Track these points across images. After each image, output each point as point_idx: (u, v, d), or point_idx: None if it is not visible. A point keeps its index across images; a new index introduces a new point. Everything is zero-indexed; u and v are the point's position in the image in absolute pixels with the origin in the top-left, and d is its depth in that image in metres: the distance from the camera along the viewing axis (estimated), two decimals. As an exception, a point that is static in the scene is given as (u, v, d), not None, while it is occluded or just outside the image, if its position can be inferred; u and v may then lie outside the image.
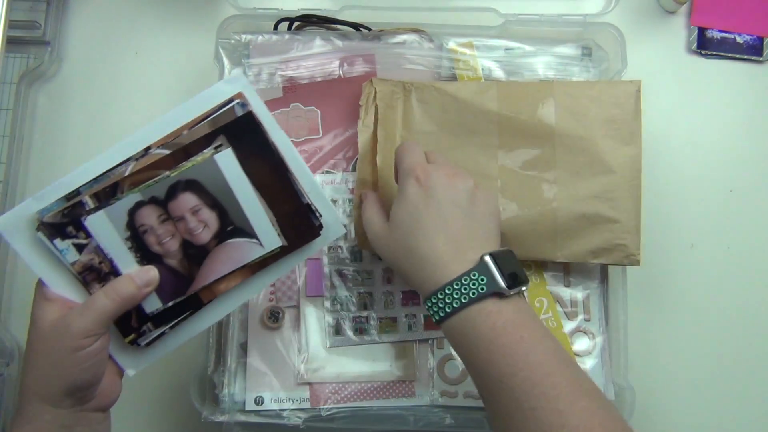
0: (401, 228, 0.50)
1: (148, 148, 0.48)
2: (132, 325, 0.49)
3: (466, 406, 0.61)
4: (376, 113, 0.61)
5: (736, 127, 0.70)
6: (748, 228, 0.69)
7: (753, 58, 0.71)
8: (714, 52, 0.71)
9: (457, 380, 0.61)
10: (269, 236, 0.51)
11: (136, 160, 0.48)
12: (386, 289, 0.62)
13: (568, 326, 0.61)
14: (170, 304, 0.50)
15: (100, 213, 0.48)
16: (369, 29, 0.66)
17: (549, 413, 0.42)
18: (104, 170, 0.48)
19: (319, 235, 0.52)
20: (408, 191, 0.50)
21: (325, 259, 0.62)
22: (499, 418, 0.45)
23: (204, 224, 0.50)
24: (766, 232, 0.69)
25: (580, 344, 0.61)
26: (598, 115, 0.59)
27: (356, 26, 0.66)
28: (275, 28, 0.66)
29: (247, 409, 0.60)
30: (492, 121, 0.60)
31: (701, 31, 0.72)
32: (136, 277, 0.48)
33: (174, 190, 0.49)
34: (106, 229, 0.48)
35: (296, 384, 0.60)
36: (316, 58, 0.64)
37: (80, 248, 0.48)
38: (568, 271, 0.63)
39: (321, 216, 0.52)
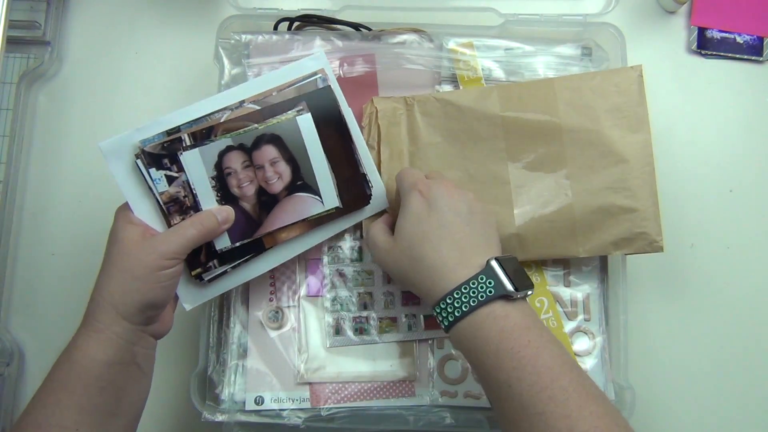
0: (406, 239, 0.51)
1: (242, 102, 0.56)
2: (201, 259, 0.55)
3: (466, 406, 0.61)
4: (379, 132, 0.61)
5: (736, 127, 0.70)
6: (748, 228, 0.69)
7: (753, 58, 0.71)
8: (714, 52, 0.71)
9: (457, 380, 0.61)
10: (330, 196, 0.57)
11: (231, 110, 0.55)
12: (386, 289, 0.62)
13: (568, 326, 0.61)
14: (238, 244, 0.56)
15: (195, 150, 0.54)
16: (369, 29, 0.66)
17: (557, 418, 0.42)
18: (203, 114, 0.55)
19: (368, 203, 0.59)
20: (411, 203, 0.52)
21: (325, 259, 0.62)
22: (508, 423, 0.45)
23: (279, 175, 0.56)
24: (766, 232, 0.69)
25: (580, 344, 0.61)
26: (602, 105, 0.59)
27: (356, 26, 0.66)
28: (275, 28, 0.66)
29: (247, 409, 0.60)
30: (497, 125, 0.60)
31: (701, 31, 0.72)
32: (217, 213, 0.54)
33: (259, 141, 0.55)
34: (197, 165, 0.54)
35: (296, 384, 0.60)
36: (316, 58, 0.64)
37: (171, 180, 0.54)
38: (568, 271, 0.62)
39: (372, 186, 0.59)
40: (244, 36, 0.64)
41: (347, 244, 0.62)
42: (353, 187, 0.58)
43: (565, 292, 0.62)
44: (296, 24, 0.66)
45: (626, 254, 0.60)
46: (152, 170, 0.53)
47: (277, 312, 0.62)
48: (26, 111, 0.70)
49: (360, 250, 0.62)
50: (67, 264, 0.68)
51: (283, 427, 0.60)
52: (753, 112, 0.71)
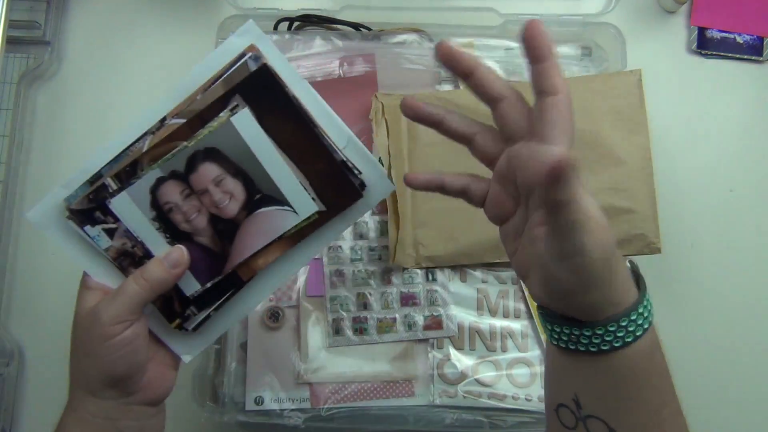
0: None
1: (163, 119, 0.45)
2: (175, 309, 0.48)
3: (466, 406, 0.61)
4: (387, 126, 0.61)
5: (736, 127, 0.70)
6: (748, 228, 0.69)
7: (753, 58, 0.71)
8: (714, 52, 0.71)
9: (456, 380, 0.61)
10: (303, 201, 0.46)
11: (153, 133, 0.45)
12: (386, 289, 0.62)
13: (568, 326, 0.61)
14: (209, 285, 0.47)
15: (123, 194, 0.46)
16: (369, 29, 0.66)
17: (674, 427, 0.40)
18: (123, 148, 0.46)
19: (361, 195, 0.46)
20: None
21: (325, 259, 0.62)
22: None
23: (230, 195, 0.46)
24: (766, 232, 0.69)
25: (580, 344, 0.61)
26: (602, 107, 0.59)
27: (356, 26, 0.66)
28: (275, 28, 0.66)
29: (247, 409, 0.60)
30: None
31: (701, 31, 0.72)
32: (164, 259, 0.46)
33: (193, 162, 0.46)
34: (131, 210, 0.46)
35: (296, 384, 0.60)
36: (316, 58, 0.64)
37: (111, 233, 0.46)
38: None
39: (360, 173, 0.46)
40: (244, 36, 0.64)
41: (347, 244, 0.62)
42: (334, 181, 0.46)
43: (565, 292, 0.62)
44: (296, 24, 0.66)
45: (624, 256, 0.60)
46: (87, 228, 0.46)
47: (276, 312, 0.62)
48: (26, 111, 0.70)
49: (360, 251, 0.62)
50: (67, 264, 0.68)
51: (283, 427, 0.60)
52: (753, 112, 0.71)
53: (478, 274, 0.62)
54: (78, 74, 0.72)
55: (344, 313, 0.61)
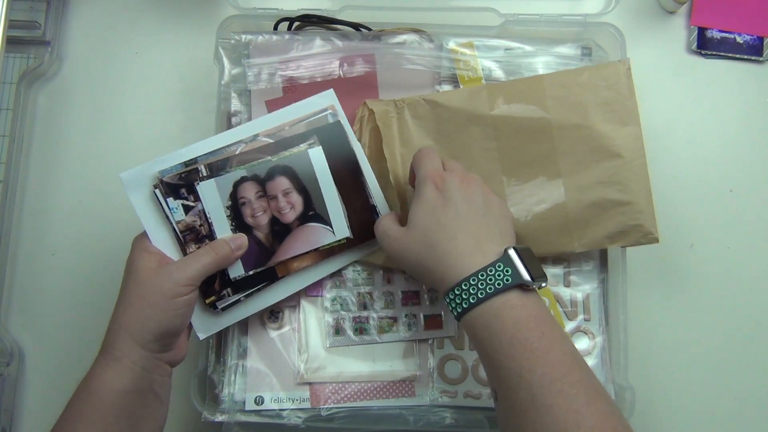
0: (420, 227, 0.51)
1: (256, 135, 0.58)
2: (215, 288, 0.56)
3: (466, 406, 0.61)
4: (371, 134, 0.61)
5: (736, 127, 0.70)
6: (748, 228, 0.69)
7: (753, 58, 0.71)
8: (714, 52, 0.71)
9: (457, 380, 0.61)
10: (341, 226, 0.59)
11: (246, 143, 0.57)
12: (386, 289, 0.62)
13: (568, 326, 0.61)
14: (251, 272, 0.57)
15: (211, 181, 0.56)
16: (369, 29, 0.66)
17: (566, 411, 0.42)
18: (219, 147, 0.57)
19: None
20: (426, 194, 0.51)
21: (325, 259, 0.62)
22: (513, 416, 0.45)
23: (291, 205, 0.58)
24: (766, 232, 0.69)
25: (580, 344, 0.61)
26: (592, 100, 0.59)
27: (356, 26, 0.66)
28: (275, 28, 0.66)
29: (247, 409, 0.60)
30: (488, 125, 0.60)
31: (701, 31, 0.72)
32: (231, 241, 0.56)
33: (273, 172, 0.58)
34: (213, 195, 0.56)
35: (296, 384, 0.60)
36: (316, 58, 0.64)
37: (187, 209, 0.56)
38: (568, 271, 0.63)
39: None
40: (244, 36, 0.64)
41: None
42: (363, 218, 0.59)
43: (565, 292, 0.62)
44: (296, 24, 0.66)
45: (622, 247, 0.60)
46: (170, 200, 0.55)
47: (276, 312, 0.62)
48: (26, 111, 0.70)
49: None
50: (67, 264, 0.68)
51: (283, 427, 0.60)
52: (753, 112, 0.71)
53: None
54: (78, 74, 0.72)
55: (344, 313, 0.61)
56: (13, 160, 0.68)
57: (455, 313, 0.49)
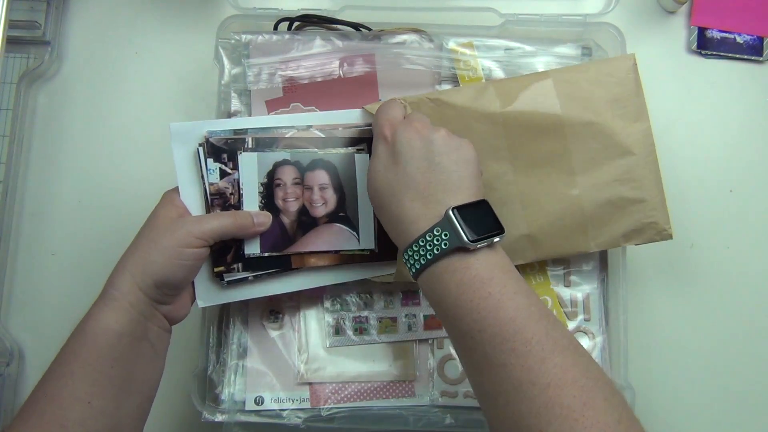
0: (372, 188, 0.50)
1: (309, 126, 0.58)
2: (226, 259, 0.56)
3: (466, 406, 0.61)
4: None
5: (736, 127, 0.70)
6: (748, 228, 0.69)
7: (753, 58, 0.71)
8: (714, 52, 0.71)
9: (457, 380, 0.61)
10: (367, 236, 0.58)
11: (298, 129, 0.58)
12: (386, 289, 0.62)
13: (569, 326, 0.61)
14: (266, 254, 0.57)
15: (254, 154, 0.56)
16: (369, 29, 0.66)
17: (519, 370, 0.41)
18: (271, 126, 0.57)
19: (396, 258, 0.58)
20: (377, 151, 0.50)
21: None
22: (473, 374, 0.45)
23: (324, 201, 0.58)
24: (766, 232, 0.69)
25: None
26: (602, 96, 0.58)
27: (356, 26, 0.66)
28: (275, 28, 0.66)
29: (247, 409, 0.60)
30: (497, 123, 0.58)
31: (701, 31, 0.72)
32: (254, 215, 0.56)
33: (315, 164, 0.58)
34: (251, 168, 0.56)
35: (296, 384, 0.60)
36: (316, 58, 0.64)
37: (223, 174, 0.56)
38: (568, 271, 0.62)
39: None
40: (244, 36, 0.64)
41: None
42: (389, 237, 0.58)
43: (565, 292, 0.62)
44: (296, 24, 0.66)
45: (637, 245, 0.59)
46: (210, 161, 0.55)
47: (276, 312, 0.62)
48: (26, 111, 0.70)
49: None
50: (67, 264, 0.68)
51: (283, 427, 0.60)
52: (753, 112, 0.71)
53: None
54: (78, 74, 0.72)
55: (344, 313, 0.61)
56: (13, 160, 0.68)
57: (411, 275, 0.48)
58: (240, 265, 0.56)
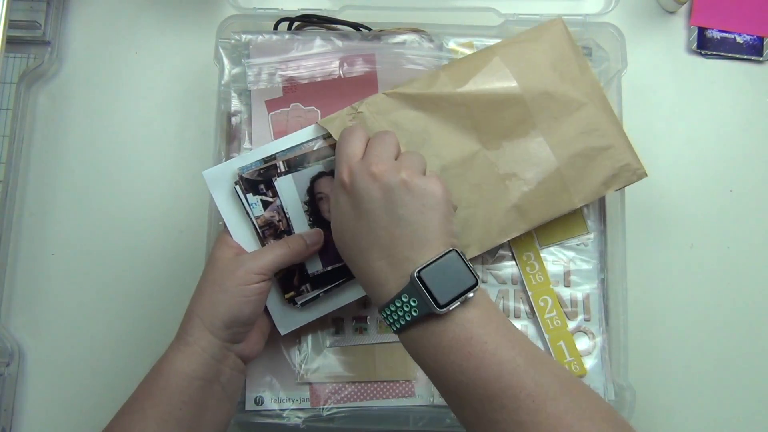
0: (339, 241, 0.50)
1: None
2: (294, 283, 0.57)
3: (466, 406, 0.61)
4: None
5: (736, 127, 0.70)
6: (748, 228, 0.69)
7: (753, 58, 0.71)
8: (714, 52, 0.71)
9: (457, 380, 0.61)
10: None
11: (324, 139, 0.57)
12: (386, 289, 0.62)
13: (569, 326, 0.61)
14: (329, 268, 0.57)
15: (288, 176, 0.56)
16: (369, 29, 0.66)
17: (511, 425, 0.41)
18: (297, 143, 0.57)
19: None
20: (338, 201, 0.49)
21: (326, 259, 0.62)
22: (466, 426, 0.45)
23: None
24: (766, 232, 0.69)
25: (581, 344, 0.61)
26: (545, 61, 0.59)
27: (356, 26, 0.66)
28: (275, 28, 0.66)
29: (247, 409, 0.60)
30: (458, 104, 0.58)
31: (701, 31, 0.72)
32: (306, 236, 0.55)
33: None
34: (290, 191, 0.56)
35: (296, 384, 0.60)
36: (316, 58, 0.64)
37: (266, 205, 0.56)
38: (568, 270, 0.63)
39: None
40: (244, 36, 0.64)
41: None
42: None
43: (565, 292, 0.62)
44: (296, 24, 0.66)
45: (617, 189, 0.60)
46: (249, 195, 0.56)
47: (277, 312, 0.62)
48: (26, 111, 0.70)
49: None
50: (67, 264, 0.68)
51: (283, 427, 0.60)
52: (753, 112, 0.71)
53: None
54: (78, 74, 0.72)
55: (344, 313, 0.61)
56: (13, 160, 0.68)
57: (396, 328, 0.46)
58: (308, 285, 0.57)
